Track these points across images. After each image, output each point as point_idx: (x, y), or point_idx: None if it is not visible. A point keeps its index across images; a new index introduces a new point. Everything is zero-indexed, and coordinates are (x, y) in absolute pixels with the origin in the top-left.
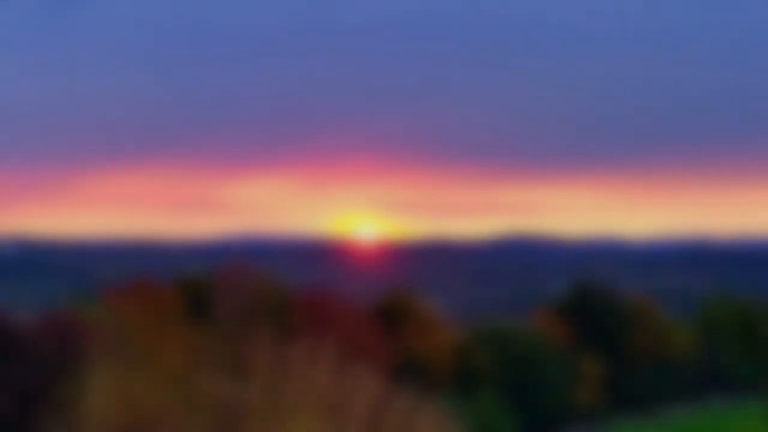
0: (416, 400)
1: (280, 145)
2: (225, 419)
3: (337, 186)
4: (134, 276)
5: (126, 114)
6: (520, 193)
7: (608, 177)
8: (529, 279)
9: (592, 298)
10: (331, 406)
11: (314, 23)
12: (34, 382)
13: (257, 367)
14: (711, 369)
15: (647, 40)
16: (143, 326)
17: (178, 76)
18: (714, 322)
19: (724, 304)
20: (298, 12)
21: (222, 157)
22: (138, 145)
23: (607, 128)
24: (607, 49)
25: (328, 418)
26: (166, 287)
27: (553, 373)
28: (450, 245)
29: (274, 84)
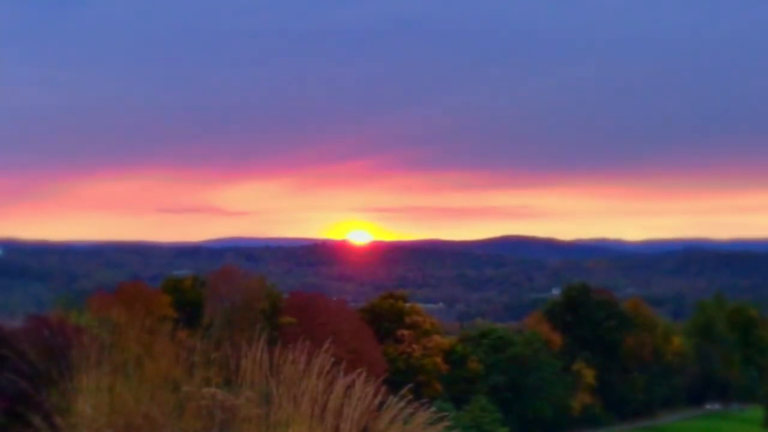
0: (410, 405)
1: (273, 149)
2: (216, 425)
3: (330, 190)
4: (124, 279)
5: (116, 119)
6: (515, 198)
7: (602, 182)
8: (524, 283)
9: (587, 303)
10: (324, 411)
11: (310, 27)
12: (22, 387)
13: (249, 371)
14: (706, 373)
15: (643, 47)
16: (133, 330)
17: (169, 82)
18: (708, 325)
19: (718, 307)
20: (292, 16)
21: (213, 161)
22: (128, 149)
23: (602, 134)
24: (604, 55)
25: (321, 423)
26: (156, 291)
27: (547, 378)
28: (444, 250)
29: (267, 88)
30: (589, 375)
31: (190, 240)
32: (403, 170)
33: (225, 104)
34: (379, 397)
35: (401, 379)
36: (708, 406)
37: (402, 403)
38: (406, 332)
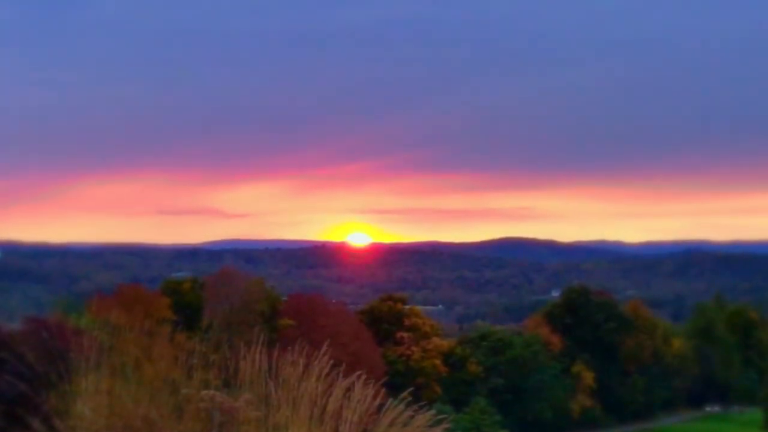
0: (410, 408)
1: (272, 151)
2: (215, 428)
3: (329, 192)
4: (123, 281)
5: (115, 120)
6: (514, 200)
7: (602, 184)
8: (523, 285)
9: (586, 305)
10: (323, 414)
11: (310, 28)
12: (21, 389)
13: (248, 374)
14: (706, 375)
15: (644, 48)
16: (132, 333)
17: (169, 84)
18: (708, 327)
19: (717, 308)
20: (292, 18)
21: (213, 163)
22: (127, 151)
23: (601, 136)
24: (604, 57)
25: (320, 426)
26: (155, 293)
27: (547, 380)
28: (444, 252)
29: (267, 90)
30: (588, 377)
31: (190, 242)
32: (403, 172)
33: (225, 105)
34: (379, 400)
35: (400, 381)
36: (708, 409)
37: (401, 406)
38: (405, 334)
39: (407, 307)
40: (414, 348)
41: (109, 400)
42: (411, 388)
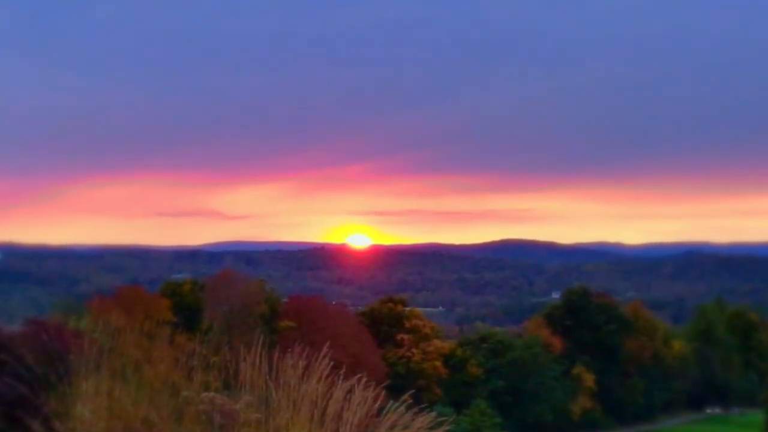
0: (410, 410)
1: (273, 153)
2: (215, 430)
3: (329, 194)
4: (123, 283)
5: (115, 122)
6: (514, 202)
7: (602, 185)
8: (524, 287)
9: (587, 307)
10: (323, 416)
11: (310, 30)
12: (21, 391)
13: (248, 376)
14: (706, 377)
15: (643, 49)
16: (132, 335)
17: (168, 85)
18: (709, 329)
19: (718, 310)
20: (292, 20)
21: (213, 164)
22: (127, 153)
23: (602, 137)
24: (605, 58)
25: (321, 428)
26: (155, 295)
27: (547, 382)
28: (444, 253)
29: (267, 92)
30: (589, 379)
31: (190, 243)
32: (403, 174)
33: (225, 107)
34: (379, 402)
35: (401, 383)
36: (708, 410)
37: (402, 408)
38: (405, 336)
39: (407, 308)
40: (414, 350)
41: (109, 402)
42: (411, 390)
